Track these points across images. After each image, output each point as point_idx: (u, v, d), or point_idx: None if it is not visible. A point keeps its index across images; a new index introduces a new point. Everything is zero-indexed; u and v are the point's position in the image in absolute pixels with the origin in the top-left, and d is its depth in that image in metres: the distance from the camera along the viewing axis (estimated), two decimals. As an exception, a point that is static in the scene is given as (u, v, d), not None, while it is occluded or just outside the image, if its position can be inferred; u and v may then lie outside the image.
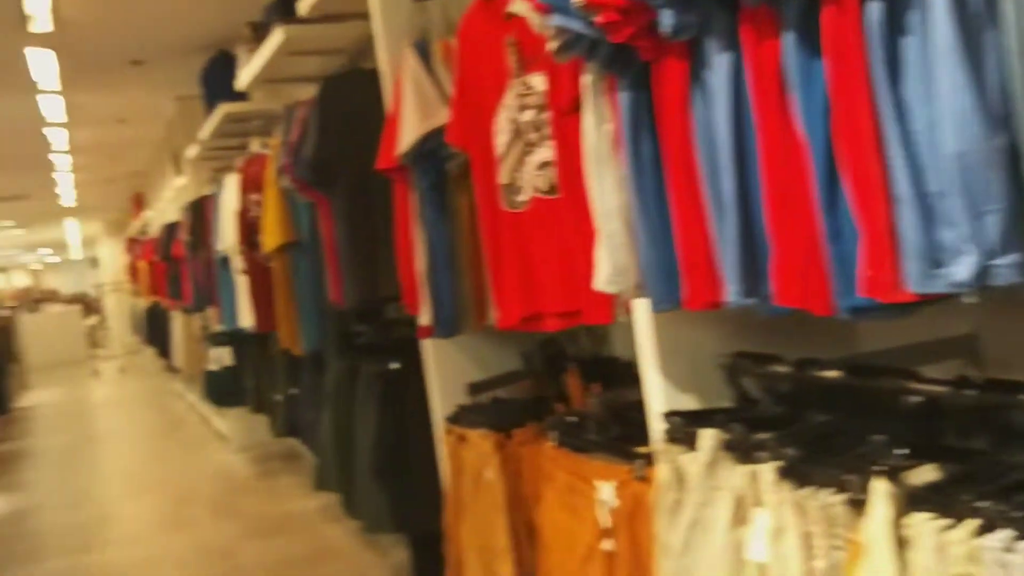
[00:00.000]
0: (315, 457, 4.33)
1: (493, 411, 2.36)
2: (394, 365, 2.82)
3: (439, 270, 2.18)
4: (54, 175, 10.52)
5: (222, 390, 6.32)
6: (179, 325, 8.58)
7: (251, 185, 4.29)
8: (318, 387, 4.19)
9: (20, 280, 33.35)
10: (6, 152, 8.86)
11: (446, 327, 2.20)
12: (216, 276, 5.45)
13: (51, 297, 25.99)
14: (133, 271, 12.41)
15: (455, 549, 2.44)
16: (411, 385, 2.81)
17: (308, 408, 4.36)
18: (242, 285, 4.75)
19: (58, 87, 6.32)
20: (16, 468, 7.50)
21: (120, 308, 17.29)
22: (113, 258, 18.24)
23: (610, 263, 1.46)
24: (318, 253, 3.23)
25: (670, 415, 1.55)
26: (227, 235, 4.89)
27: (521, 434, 2.24)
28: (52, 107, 6.97)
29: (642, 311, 1.59)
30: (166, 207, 8.80)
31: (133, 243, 12.53)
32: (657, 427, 1.59)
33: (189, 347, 8.09)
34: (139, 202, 12.44)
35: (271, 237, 3.61)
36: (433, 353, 2.57)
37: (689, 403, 1.61)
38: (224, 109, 5.17)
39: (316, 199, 3.06)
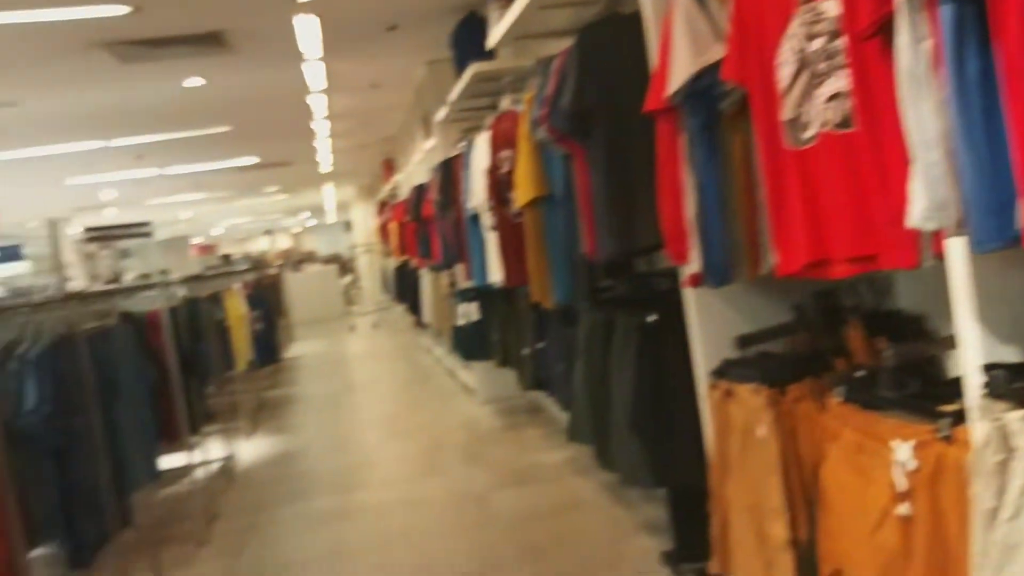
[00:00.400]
0: (564, 410, 4.38)
1: (763, 365, 2.25)
2: (652, 317, 2.76)
3: (710, 215, 2.08)
4: (314, 143, 11.23)
5: (470, 344, 6.54)
6: (428, 282, 8.95)
7: (502, 142, 4.34)
8: (567, 341, 4.21)
9: (283, 242, 36.24)
10: (274, 121, 9.55)
11: (717, 275, 2.10)
12: (465, 233, 5.59)
13: (310, 258, 28.05)
14: (384, 232, 13.08)
15: (720, 507, 2.35)
16: (670, 338, 2.73)
17: (556, 362, 4.40)
18: (492, 241, 4.84)
19: (320, 54, 6.70)
20: (286, 413, 8.15)
21: (371, 268, 18.36)
22: (365, 220, 19.37)
23: (927, 197, 1.31)
24: (571, 206, 3.21)
25: (991, 368, 1.38)
26: (477, 193, 4.99)
27: (796, 389, 2.12)
28: (315, 75, 7.41)
29: (958, 252, 1.43)
30: (415, 170, 9.18)
31: (384, 205, 13.21)
32: (974, 381, 1.43)
33: (437, 303, 8.41)
34: (389, 166, 13.07)
35: (524, 191, 3.64)
36: (696, 304, 2.48)
37: (1012, 356, 1.43)
38: (473, 69, 5.27)
39: (572, 150, 3.04)
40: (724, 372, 2.34)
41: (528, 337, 4.85)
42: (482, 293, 6.29)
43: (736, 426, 2.24)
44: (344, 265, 23.32)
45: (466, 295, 6.55)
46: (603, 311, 3.14)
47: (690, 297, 2.49)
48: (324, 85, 7.79)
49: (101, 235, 18.43)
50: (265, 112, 8.98)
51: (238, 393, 7.31)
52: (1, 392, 2.87)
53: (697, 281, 2.19)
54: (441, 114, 6.76)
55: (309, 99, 8.39)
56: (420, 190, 8.10)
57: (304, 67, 7.08)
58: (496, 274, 4.72)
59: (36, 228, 18.76)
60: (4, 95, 6.91)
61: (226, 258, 24.40)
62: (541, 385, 4.79)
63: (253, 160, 12.56)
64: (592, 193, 2.87)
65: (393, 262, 12.91)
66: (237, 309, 7.34)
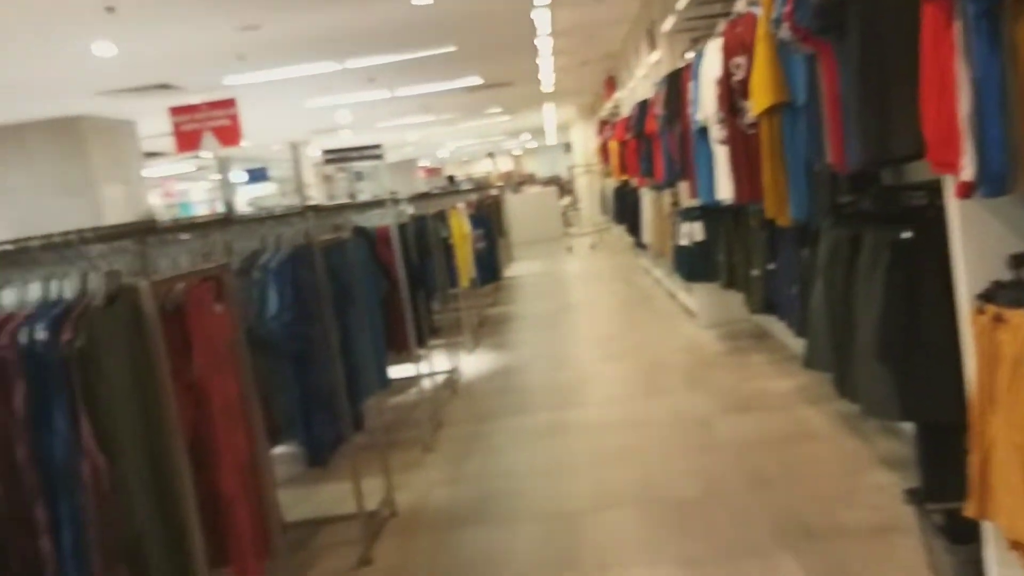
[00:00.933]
0: (797, 335, 4.14)
1: (1042, 288, 1.97)
2: (906, 234, 2.49)
3: (989, 114, 1.80)
4: (537, 60, 11.17)
5: (693, 265, 6.34)
6: (648, 202, 8.76)
7: (735, 48, 4.08)
8: (802, 261, 3.96)
9: (504, 164, 36.87)
10: (498, 39, 9.56)
11: (995, 183, 1.83)
12: (691, 149, 5.37)
13: (529, 180, 28.39)
14: (603, 152, 12.94)
15: (982, 445, 2.11)
16: (926, 256, 2.47)
17: (789, 284, 4.16)
18: (721, 155, 4.61)
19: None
20: (505, 330, 8.31)
21: (590, 189, 18.30)
22: (584, 141, 19.28)
23: None
24: (814, 112, 2.95)
25: None
26: (706, 104, 4.75)
27: (1084, 317, 1.83)
28: (540, -12, 7.32)
29: None
30: (638, 85, 8.94)
31: (604, 125, 13.03)
32: None
33: (658, 223, 8.23)
34: (611, 84, 12.85)
35: (761, 98, 3.39)
36: (961, 218, 2.21)
37: None
38: (705, -27, 4.98)
39: (818, 48, 2.77)
40: (993, 295, 2.07)
41: (758, 257, 4.62)
42: (707, 211, 6.06)
43: (1006, 356, 1.98)
44: (563, 187, 23.41)
45: (690, 214, 6.34)
46: (848, 227, 2.88)
47: (954, 210, 2.21)
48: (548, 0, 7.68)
49: (337, 157, 19.41)
50: (489, 30, 9.00)
51: (461, 309, 7.51)
52: (245, 299, 3.03)
53: (968, 190, 1.92)
54: (668, 24, 6.49)
55: (533, 14, 8.30)
56: (643, 106, 7.88)
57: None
58: (725, 190, 4.50)
59: (279, 151, 20.01)
60: (248, 18, 7.29)
61: (451, 179, 25.15)
62: (771, 308, 4.55)
63: (476, 81, 12.70)
64: (841, 96, 2.61)
65: (612, 182, 12.78)
66: (461, 228, 7.49)
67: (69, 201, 10.28)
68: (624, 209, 11.22)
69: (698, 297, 6.98)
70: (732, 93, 4.11)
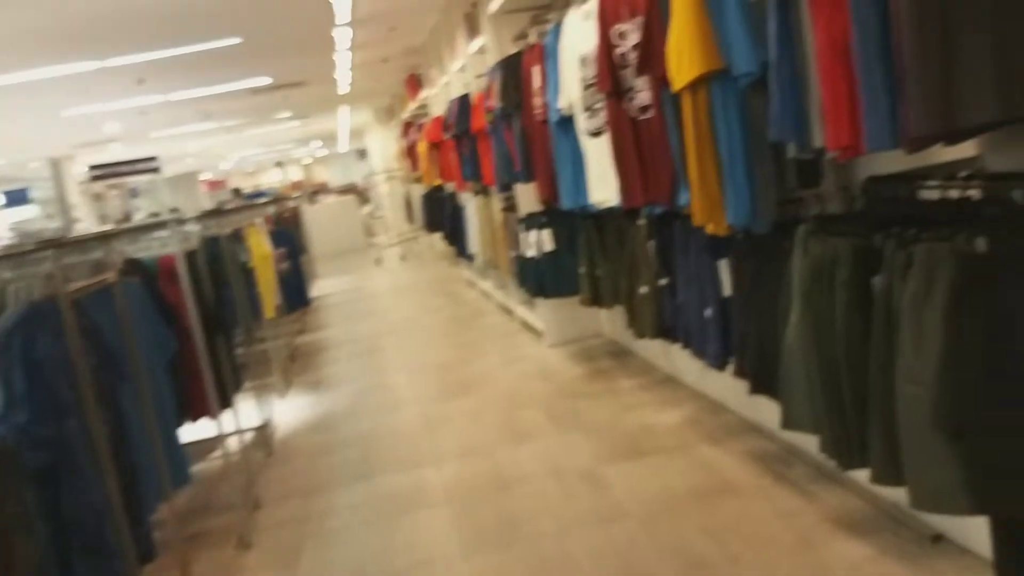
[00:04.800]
0: (716, 367, 3.35)
1: None
2: (979, 246, 1.70)
3: None
4: (333, 55, 10.03)
5: (543, 279, 5.50)
6: (474, 209, 7.88)
7: (618, 12, 3.25)
8: (714, 275, 3.18)
9: (294, 174, 35.05)
10: (291, 29, 8.36)
11: None
12: (545, 145, 4.52)
13: (323, 189, 26.95)
14: (410, 156, 11.96)
15: None
16: (1012, 278, 1.69)
17: (697, 305, 3.36)
18: (594, 150, 3.79)
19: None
20: (322, 363, 7.18)
21: (393, 196, 17.25)
22: (383, 146, 18.18)
23: None
24: (786, 77, 2.14)
25: None
26: (570, 89, 3.92)
27: None
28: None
29: None
30: (453, 80, 8.03)
31: (409, 126, 12.06)
32: None
33: (489, 232, 7.36)
34: (414, 83, 11.89)
35: (687, 66, 2.53)
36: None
37: None
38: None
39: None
40: None
41: (646, 271, 3.80)
42: (556, 217, 5.25)
43: None
44: (361, 195, 22.20)
45: (535, 221, 5.50)
46: (843, 236, 2.08)
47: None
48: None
49: (106, 172, 17.33)
50: (281, 18, 7.80)
51: (267, 343, 6.33)
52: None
53: None
54: (494, 5, 5.63)
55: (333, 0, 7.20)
56: (465, 101, 6.99)
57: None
58: (604, 192, 3.68)
59: (38, 169, 17.67)
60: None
61: (237, 192, 23.32)
62: (669, 333, 3.73)
63: (266, 81, 11.38)
64: (859, 45, 1.80)
65: (420, 188, 11.81)
66: (261, 248, 6.31)
67: None
68: (439, 217, 10.30)
69: (543, 312, 6.17)
70: (615, 69, 3.28)
